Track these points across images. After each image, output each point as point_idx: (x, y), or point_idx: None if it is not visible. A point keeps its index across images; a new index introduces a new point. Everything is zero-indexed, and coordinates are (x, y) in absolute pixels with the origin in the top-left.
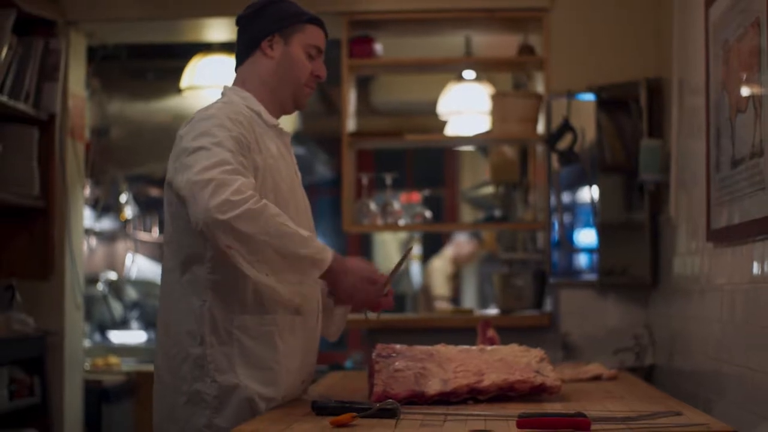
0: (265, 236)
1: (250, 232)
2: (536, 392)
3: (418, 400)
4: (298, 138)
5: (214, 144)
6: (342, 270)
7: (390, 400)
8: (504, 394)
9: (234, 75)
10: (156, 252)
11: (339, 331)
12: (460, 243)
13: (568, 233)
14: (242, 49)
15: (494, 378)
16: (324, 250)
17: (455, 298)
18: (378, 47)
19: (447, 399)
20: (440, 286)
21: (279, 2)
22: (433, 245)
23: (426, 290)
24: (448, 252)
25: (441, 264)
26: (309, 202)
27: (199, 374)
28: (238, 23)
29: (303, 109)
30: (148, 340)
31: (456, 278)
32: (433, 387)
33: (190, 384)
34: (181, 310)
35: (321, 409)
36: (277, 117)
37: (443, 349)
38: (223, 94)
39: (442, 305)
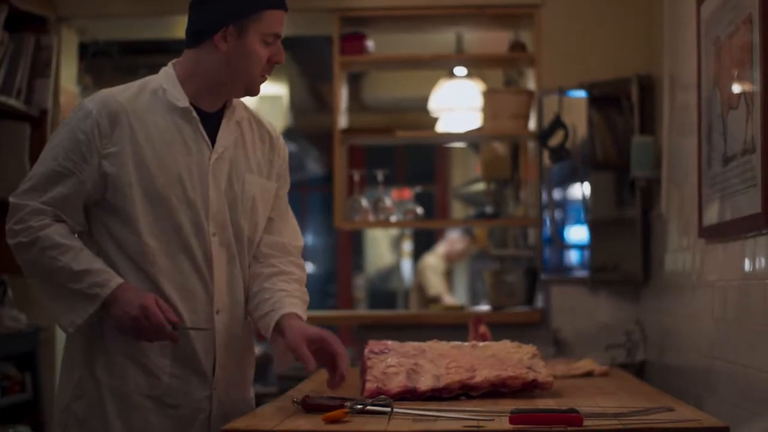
0: (33, 269)
1: (21, 263)
2: (528, 388)
3: (410, 396)
4: (289, 134)
5: (46, 151)
6: (117, 301)
7: (382, 396)
8: (496, 390)
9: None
10: None
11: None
12: (453, 240)
13: (559, 230)
14: (192, 34)
15: (486, 374)
16: (99, 286)
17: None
18: (369, 44)
19: (439, 395)
20: (433, 284)
21: None
22: (424, 242)
23: (419, 288)
24: (441, 249)
25: (433, 261)
26: (256, 191)
27: None
28: (190, 7)
29: (257, 95)
30: None
31: (448, 275)
32: (426, 383)
33: None
34: None
35: (313, 405)
36: (217, 105)
37: (435, 345)
38: (162, 70)
39: (447, 300)
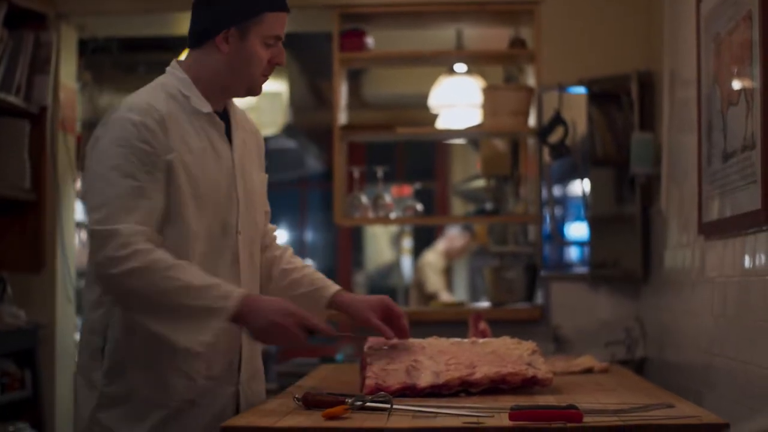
0: (147, 294)
1: (132, 289)
2: (528, 385)
3: (410, 392)
4: (289, 131)
5: (106, 172)
6: (252, 310)
7: (382, 393)
8: (496, 386)
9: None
10: None
11: None
12: (452, 236)
13: (559, 226)
14: (195, 35)
15: (486, 371)
16: (223, 298)
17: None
18: (369, 40)
19: (439, 391)
20: (432, 282)
21: None
22: (424, 239)
23: (418, 285)
24: (440, 246)
25: (433, 258)
26: (266, 192)
27: None
28: (193, 7)
29: (257, 95)
30: None
31: (448, 272)
32: (425, 379)
33: None
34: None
35: (314, 401)
36: (222, 105)
37: (435, 342)
38: (167, 70)
39: (445, 297)
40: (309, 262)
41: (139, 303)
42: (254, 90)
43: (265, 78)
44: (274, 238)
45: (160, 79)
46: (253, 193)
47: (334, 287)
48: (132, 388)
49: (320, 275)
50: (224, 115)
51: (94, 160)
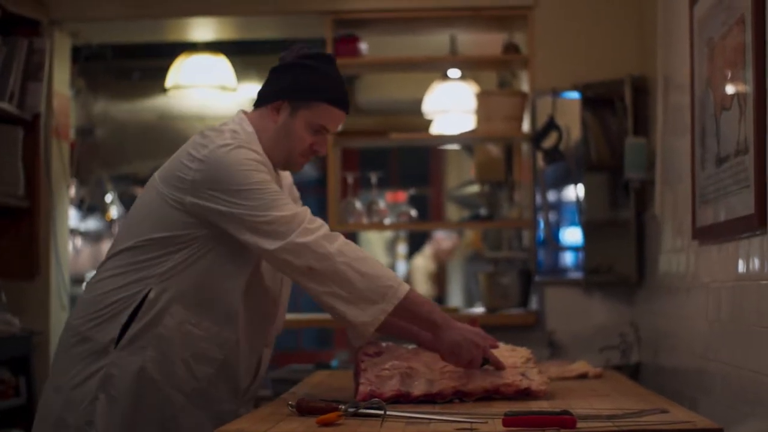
0: (344, 258)
1: (332, 252)
2: (521, 396)
3: (403, 399)
4: None
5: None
6: (448, 322)
7: (376, 400)
8: (489, 396)
9: (255, 102)
10: None
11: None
12: (439, 239)
13: (553, 231)
14: (261, 95)
15: (480, 381)
16: (402, 282)
17: (439, 296)
18: (363, 46)
19: (432, 400)
20: (422, 286)
21: (305, 69)
22: (419, 244)
23: None
24: (428, 250)
25: (422, 262)
26: None
27: None
28: (270, 71)
29: (295, 171)
30: None
31: (439, 276)
32: (419, 387)
33: None
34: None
35: (308, 408)
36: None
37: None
38: (235, 118)
39: None
40: None
41: (328, 270)
42: (291, 166)
43: (304, 159)
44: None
45: (230, 125)
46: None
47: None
48: (143, 366)
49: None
50: None
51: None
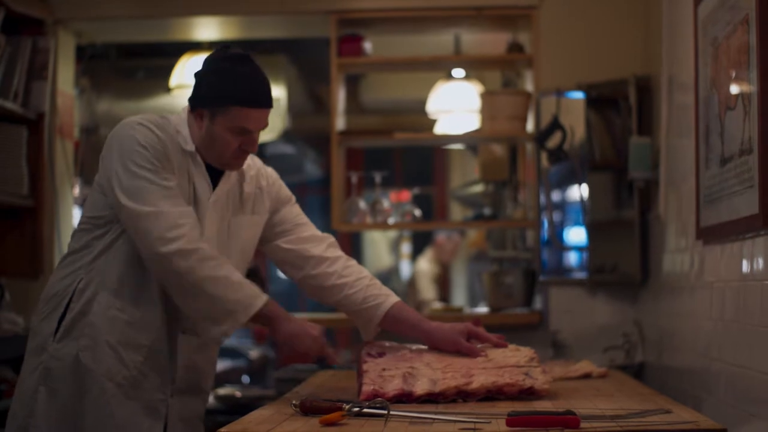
0: (194, 277)
1: (182, 270)
2: (524, 395)
3: (406, 399)
4: (287, 137)
5: (141, 170)
6: (282, 315)
7: (379, 399)
8: (492, 396)
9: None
10: None
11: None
12: (441, 241)
13: (557, 231)
14: (189, 100)
15: (483, 381)
16: (254, 297)
17: (443, 297)
18: (367, 46)
19: (435, 399)
20: (426, 290)
21: (214, 75)
22: (423, 244)
23: (412, 291)
24: (430, 252)
25: (424, 266)
26: (243, 232)
27: None
28: (194, 75)
29: (236, 170)
30: None
31: (442, 278)
32: (422, 387)
33: None
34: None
35: (311, 407)
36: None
37: (432, 348)
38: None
39: (434, 305)
40: None
41: (179, 284)
42: (227, 167)
43: (238, 159)
44: (321, 243)
45: (173, 117)
46: (226, 235)
47: (386, 304)
48: (77, 356)
49: (373, 291)
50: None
51: (115, 156)
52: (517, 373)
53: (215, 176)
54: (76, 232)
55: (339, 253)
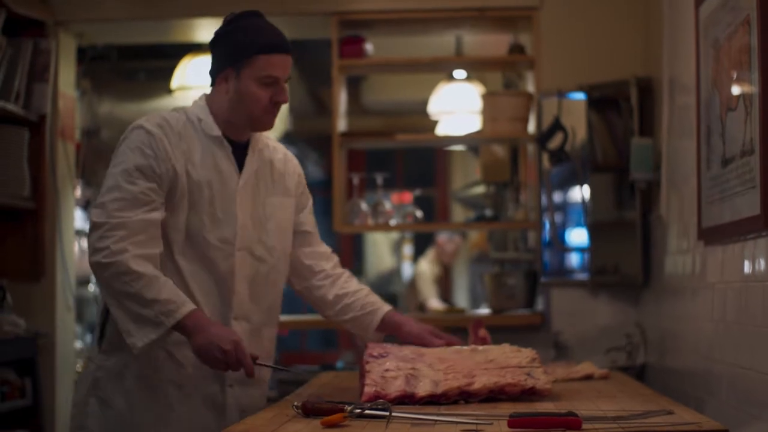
0: (110, 290)
1: (101, 281)
2: (527, 395)
3: (408, 400)
4: (288, 138)
5: (119, 173)
6: (198, 327)
7: (381, 401)
8: (494, 396)
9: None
10: None
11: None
12: (442, 242)
13: (559, 232)
14: (210, 73)
15: (485, 381)
16: (166, 314)
17: (445, 298)
18: (368, 47)
19: (437, 401)
20: (421, 291)
21: (234, 32)
22: (425, 245)
23: (413, 293)
24: (431, 253)
25: (425, 267)
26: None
27: None
28: (209, 46)
29: (269, 129)
30: None
31: (444, 279)
32: (424, 388)
33: None
34: None
35: (312, 409)
36: (245, 136)
37: (434, 349)
38: (199, 99)
39: (434, 306)
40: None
41: (103, 293)
42: (258, 126)
43: (269, 115)
44: (317, 265)
45: (185, 107)
46: (263, 215)
47: (383, 310)
48: (126, 364)
49: (373, 299)
50: (247, 143)
51: (111, 162)
52: (519, 373)
53: (241, 161)
54: None
55: (342, 270)
